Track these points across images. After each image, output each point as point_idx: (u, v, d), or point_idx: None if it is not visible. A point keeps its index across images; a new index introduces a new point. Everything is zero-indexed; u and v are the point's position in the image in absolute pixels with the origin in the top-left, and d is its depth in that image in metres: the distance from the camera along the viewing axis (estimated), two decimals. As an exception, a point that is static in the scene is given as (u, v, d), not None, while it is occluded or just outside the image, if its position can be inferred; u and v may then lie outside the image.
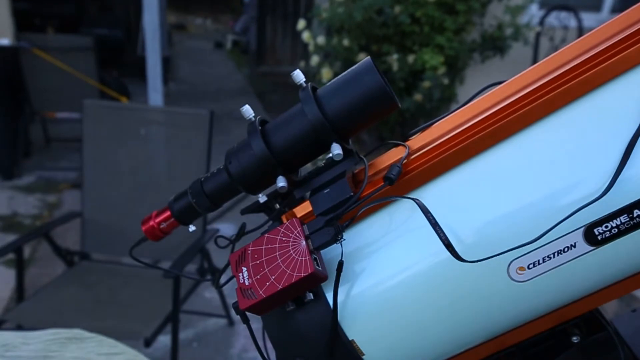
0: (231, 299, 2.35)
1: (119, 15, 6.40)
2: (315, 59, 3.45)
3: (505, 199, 0.42)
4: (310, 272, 0.42)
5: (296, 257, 0.43)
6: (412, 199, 0.43)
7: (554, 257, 0.40)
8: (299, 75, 0.47)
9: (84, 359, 0.93)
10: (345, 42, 3.28)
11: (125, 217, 2.03)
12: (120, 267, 2.12)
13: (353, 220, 0.45)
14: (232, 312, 2.28)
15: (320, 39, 3.41)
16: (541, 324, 0.45)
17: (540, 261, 0.40)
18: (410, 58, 3.25)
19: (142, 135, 2.06)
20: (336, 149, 0.44)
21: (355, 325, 0.45)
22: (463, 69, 3.54)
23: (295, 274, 0.42)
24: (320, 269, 0.43)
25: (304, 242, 0.43)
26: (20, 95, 3.67)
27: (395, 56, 3.24)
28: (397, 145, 0.50)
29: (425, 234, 0.42)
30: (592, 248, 0.39)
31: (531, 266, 0.40)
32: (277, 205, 0.51)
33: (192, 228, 0.55)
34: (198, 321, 2.30)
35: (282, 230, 0.45)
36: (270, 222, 0.51)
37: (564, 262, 0.40)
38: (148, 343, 1.58)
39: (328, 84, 0.47)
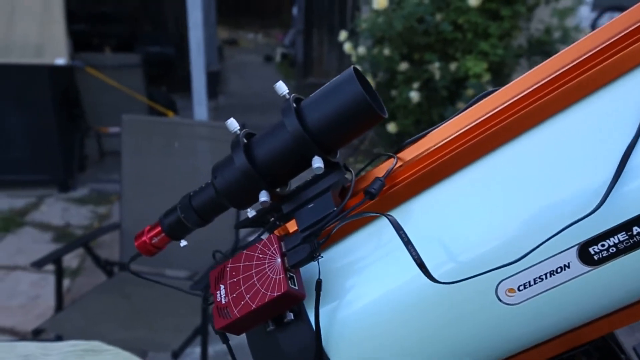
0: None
1: (172, 32, 6.66)
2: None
3: (493, 214, 0.39)
4: (283, 291, 0.40)
5: (271, 275, 0.42)
6: (386, 215, 0.41)
7: (546, 278, 0.38)
8: (281, 87, 0.46)
9: (98, 371, 0.94)
10: (386, 51, 3.24)
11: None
12: (158, 278, 2.15)
13: (329, 238, 0.44)
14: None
15: (361, 50, 3.38)
16: (546, 351, 0.42)
17: (532, 282, 0.38)
18: (453, 66, 3.17)
19: (178, 149, 2.10)
20: (317, 163, 0.43)
21: (339, 347, 0.43)
22: (509, 75, 3.42)
23: (269, 293, 0.41)
24: (296, 288, 0.41)
25: (279, 260, 0.42)
26: (75, 111, 3.87)
27: (437, 64, 3.17)
28: (388, 157, 0.48)
29: (405, 255, 0.40)
30: (589, 268, 0.36)
31: (521, 288, 0.38)
32: (272, 219, 0.49)
33: (183, 243, 0.54)
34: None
35: (260, 247, 0.43)
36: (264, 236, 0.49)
37: (558, 283, 0.37)
38: (176, 355, 1.59)
39: (311, 95, 0.45)
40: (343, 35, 3.44)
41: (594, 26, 3.74)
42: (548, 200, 0.37)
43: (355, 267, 0.44)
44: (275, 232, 0.50)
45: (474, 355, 0.43)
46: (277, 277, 0.41)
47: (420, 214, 0.42)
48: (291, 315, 0.43)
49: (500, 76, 3.37)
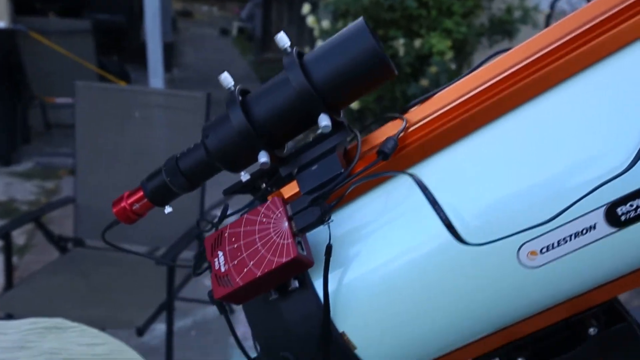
0: (230, 288, 2.31)
1: (122, 0, 6.34)
2: (320, 44, 3.37)
3: (515, 175, 0.38)
4: (292, 257, 0.38)
5: (277, 240, 0.39)
6: (408, 174, 0.39)
7: (570, 240, 0.36)
8: (283, 39, 0.42)
9: (62, 349, 0.87)
10: (351, 25, 3.20)
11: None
12: (116, 254, 2.07)
13: (341, 199, 0.41)
14: (231, 301, 2.26)
15: (325, 23, 3.33)
16: (555, 314, 0.41)
17: (555, 245, 0.37)
18: (417, 42, 3.18)
19: (137, 119, 2.00)
20: (324, 120, 0.41)
21: (346, 316, 0.41)
22: (471, 53, 3.47)
23: (276, 259, 0.38)
24: (304, 253, 0.39)
25: (287, 224, 0.39)
26: (18, 79, 3.62)
27: (401, 41, 3.16)
28: (394, 118, 0.45)
29: (425, 215, 0.39)
30: (614, 230, 0.36)
31: (544, 250, 0.37)
32: (263, 185, 0.47)
33: (168, 209, 0.50)
34: (197, 309, 2.26)
35: (263, 210, 0.40)
36: (255, 203, 0.47)
37: (581, 245, 0.36)
38: (141, 332, 1.54)
39: (316, 49, 0.42)
40: (306, 7, 3.37)
41: (552, 7, 3.83)
42: (576, 160, 0.36)
43: (363, 231, 0.42)
44: (269, 198, 0.46)
45: (484, 321, 0.41)
46: (285, 242, 0.39)
47: (436, 175, 0.40)
48: (296, 283, 0.41)
49: (463, 54, 3.41)
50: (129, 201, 0.50)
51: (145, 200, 0.49)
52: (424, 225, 0.39)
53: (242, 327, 2.23)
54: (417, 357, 0.43)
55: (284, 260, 0.38)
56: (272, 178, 0.46)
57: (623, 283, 0.40)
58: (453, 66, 3.23)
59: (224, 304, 0.44)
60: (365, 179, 0.41)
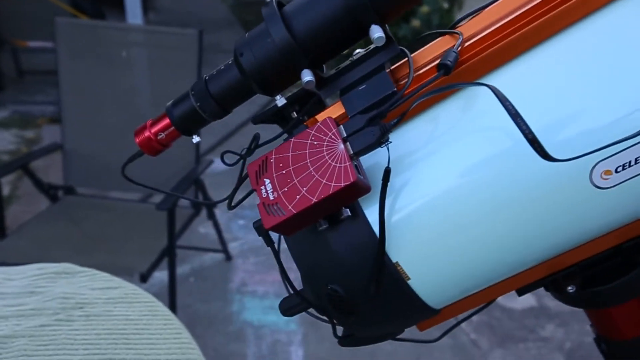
0: (227, 234, 2.29)
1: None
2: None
3: (592, 87, 0.35)
4: (352, 180, 0.35)
5: (333, 163, 0.36)
6: (485, 84, 0.35)
7: None
8: None
9: (75, 294, 0.82)
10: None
11: (110, 149, 1.89)
12: (108, 201, 2.02)
13: (403, 117, 0.38)
14: (230, 246, 2.25)
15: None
16: (610, 240, 0.39)
17: (632, 162, 0.34)
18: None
19: (124, 59, 1.89)
20: (377, 32, 0.37)
21: (400, 245, 0.38)
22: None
23: (333, 183, 0.35)
24: (362, 177, 0.36)
25: (342, 145, 0.36)
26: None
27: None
28: (442, 34, 0.41)
29: (498, 130, 0.36)
30: None
31: (619, 169, 0.34)
32: (294, 114, 0.43)
33: (196, 139, 0.46)
34: (194, 257, 2.24)
35: (313, 132, 0.37)
36: (286, 134, 0.43)
37: None
38: (144, 278, 1.51)
39: None
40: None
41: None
42: None
43: (421, 153, 0.39)
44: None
45: (544, 247, 0.39)
46: (342, 165, 0.36)
47: (506, 89, 0.36)
48: (348, 212, 0.38)
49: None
50: (154, 130, 0.45)
51: (172, 128, 0.45)
52: (496, 141, 0.36)
53: (241, 273, 2.22)
54: (468, 288, 0.41)
55: (342, 184, 0.35)
56: (305, 105, 0.43)
57: None
58: (445, 5, 3.14)
59: (270, 236, 0.41)
60: (429, 94, 0.37)
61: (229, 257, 2.24)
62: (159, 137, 0.45)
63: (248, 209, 2.57)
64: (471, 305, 0.43)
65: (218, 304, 2.03)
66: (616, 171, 0.35)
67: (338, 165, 0.36)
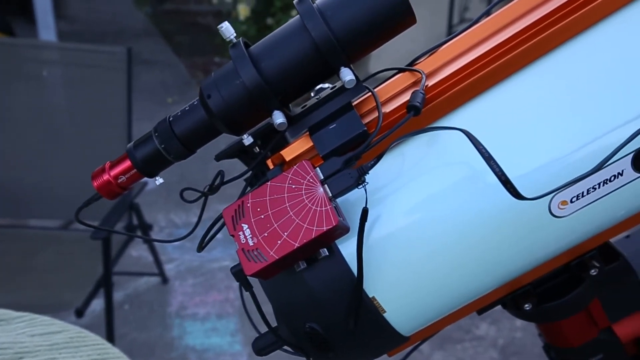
0: (163, 256, 2.20)
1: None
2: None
3: (552, 125, 0.38)
4: (335, 224, 0.35)
5: (313, 207, 0.36)
6: (460, 129, 0.37)
7: (599, 187, 0.37)
8: None
9: (13, 343, 0.76)
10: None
11: (28, 174, 1.74)
12: (27, 230, 1.87)
13: (380, 159, 0.39)
14: (166, 268, 2.16)
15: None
16: (562, 258, 0.42)
17: (585, 193, 0.37)
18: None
19: (45, 78, 1.77)
20: (348, 75, 0.38)
21: (376, 280, 0.39)
22: None
23: (315, 227, 0.36)
24: (342, 219, 0.37)
25: (321, 189, 0.36)
26: None
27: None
28: (401, 71, 0.43)
29: (454, 168, 0.39)
30: (638, 175, 0.37)
31: (574, 199, 0.37)
32: (256, 149, 0.43)
33: (159, 180, 0.45)
34: (127, 282, 2.14)
35: (290, 176, 0.37)
36: (251, 171, 0.44)
37: (608, 192, 0.38)
38: (80, 313, 1.42)
39: None
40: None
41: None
42: (611, 106, 0.37)
43: (388, 189, 0.40)
44: (268, 162, 0.43)
45: (504, 273, 0.42)
46: (323, 208, 0.36)
47: (469, 127, 0.38)
48: (326, 251, 0.38)
49: None
50: (113, 173, 0.44)
51: (134, 171, 0.44)
52: (460, 176, 0.39)
53: (179, 296, 2.14)
54: (437, 314, 0.43)
55: (324, 228, 0.36)
56: (267, 141, 0.43)
57: (628, 222, 0.41)
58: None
59: (248, 281, 0.41)
60: (406, 137, 0.39)
61: (165, 280, 2.15)
62: (119, 181, 0.44)
63: (182, 227, 2.50)
64: (437, 329, 0.46)
65: (157, 330, 1.94)
66: (571, 201, 0.38)
67: (319, 209, 0.36)
